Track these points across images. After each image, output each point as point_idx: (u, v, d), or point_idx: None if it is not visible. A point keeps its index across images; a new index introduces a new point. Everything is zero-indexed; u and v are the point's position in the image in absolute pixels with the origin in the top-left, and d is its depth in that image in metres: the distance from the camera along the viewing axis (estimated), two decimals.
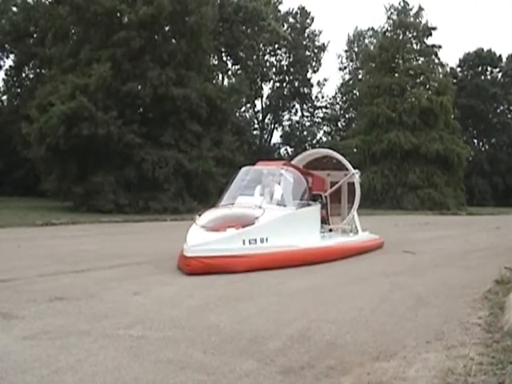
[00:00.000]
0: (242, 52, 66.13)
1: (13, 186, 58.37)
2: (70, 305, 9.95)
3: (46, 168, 43.95)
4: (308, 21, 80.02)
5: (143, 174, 40.83)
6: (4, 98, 68.89)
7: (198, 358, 7.18)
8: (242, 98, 59.86)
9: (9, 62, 66.31)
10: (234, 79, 64.95)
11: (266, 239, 14.94)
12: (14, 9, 58.20)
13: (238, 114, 67.62)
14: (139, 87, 42.23)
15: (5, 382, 6.21)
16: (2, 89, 68.79)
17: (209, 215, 15.72)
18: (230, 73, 69.54)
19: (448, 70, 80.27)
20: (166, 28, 45.79)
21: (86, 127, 38.27)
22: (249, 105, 77.61)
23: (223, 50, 63.84)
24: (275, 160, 24.16)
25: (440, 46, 70.71)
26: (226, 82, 64.49)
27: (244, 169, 18.41)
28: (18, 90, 65.75)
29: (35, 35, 57.11)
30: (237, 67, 69.74)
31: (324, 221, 19.71)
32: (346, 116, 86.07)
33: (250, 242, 14.61)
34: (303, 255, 15.75)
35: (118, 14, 43.93)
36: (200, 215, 15.70)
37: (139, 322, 8.95)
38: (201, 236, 14.29)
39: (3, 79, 67.96)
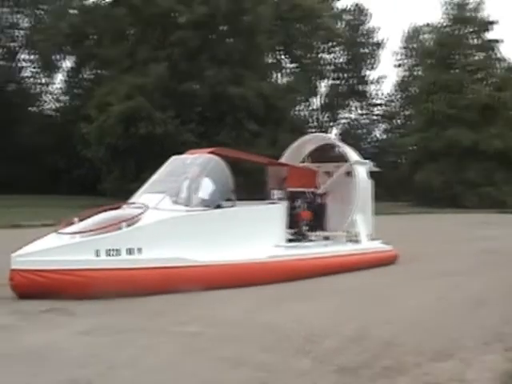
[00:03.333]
0: (298, 50, 65.93)
1: (73, 184, 59.15)
2: (126, 302, 10.04)
3: (105, 167, 44.54)
4: (364, 17, 79.58)
5: None
6: (64, 98, 70.03)
7: (254, 356, 7.16)
8: (298, 97, 59.71)
9: (69, 64, 67.60)
10: (290, 78, 64.87)
11: (139, 250, 11.12)
12: (73, 11, 58.92)
13: (294, 113, 67.51)
14: (196, 86, 42.45)
15: (62, 376, 6.29)
16: (62, 90, 69.95)
17: (90, 219, 12.00)
18: (286, 71, 69.47)
19: (509, 64, 78.97)
20: (222, 27, 45.91)
21: (144, 126, 38.69)
22: (305, 103, 77.38)
23: (279, 48, 63.73)
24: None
25: (501, 41, 69.51)
26: (282, 80, 64.44)
27: (171, 159, 14.57)
28: (78, 91, 66.75)
29: (94, 37, 57.77)
30: (293, 65, 69.60)
31: (317, 226, 16.26)
32: (404, 113, 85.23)
33: (108, 254, 10.81)
34: (199, 275, 11.42)
35: (175, 14, 44.21)
36: (81, 219, 11.95)
37: (195, 319, 8.98)
38: (38, 243, 10.90)
39: (63, 80, 69.15)
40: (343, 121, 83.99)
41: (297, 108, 70.73)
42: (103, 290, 10.06)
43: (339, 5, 76.66)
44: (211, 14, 42.45)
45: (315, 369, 6.75)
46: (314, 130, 77.22)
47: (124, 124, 39.21)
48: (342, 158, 17.11)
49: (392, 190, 64.44)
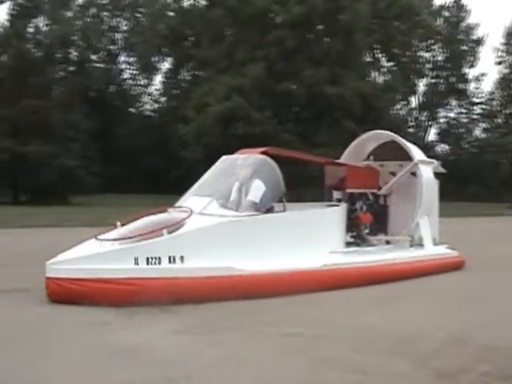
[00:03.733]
0: (396, 48, 65.36)
1: (171, 185, 60.05)
2: (218, 302, 9.91)
3: (203, 168, 45.05)
4: (464, 14, 78.23)
5: (296, 171, 41.14)
6: (163, 99, 71.25)
7: (349, 357, 6.99)
8: (396, 96, 59.18)
9: (167, 65, 68.85)
10: (388, 76, 64.36)
11: (181, 258, 10.39)
12: (171, 13, 59.90)
13: (392, 112, 66.93)
14: (293, 86, 42.53)
15: (157, 373, 6.30)
16: (161, 91, 71.21)
17: (132, 224, 11.44)
18: (384, 70, 68.95)
19: None
20: (319, 26, 45.84)
21: (242, 126, 38.94)
22: (404, 102, 76.60)
23: (376, 46, 63.32)
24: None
25: None
26: (380, 79, 63.99)
27: (221, 159, 13.52)
28: (176, 92, 67.78)
29: (191, 38, 58.58)
30: (391, 64, 69.03)
31: (378, 229, 14.99)
32: (506, 112, 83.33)
33: (147, 262, 10.18)
34: (245, 285, 10.48)
35: (271, 14, 44.41)
36: (123, 223, 11.44)
37: (288, 320, 8.88)
38: (75, 250, 10.48)
39: (162, 81, 70.38)
40: (442, 120, 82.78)
41: (395, 107, 70.14)
42: (142, 300, 9.47)
43: (437, 1, 75.63)
44: (307, 13, 42.46)
45: (412, 372, 6.54)
46: (412, 130, 76.60)
47: (222, 124, 39.62)
48: (408, 157, 15.25)
49: (495, 191, 63.17)
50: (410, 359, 6.98)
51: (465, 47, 78.62)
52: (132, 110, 70.49)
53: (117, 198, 43.91)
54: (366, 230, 14.54)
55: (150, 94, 72.73)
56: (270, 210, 12.03)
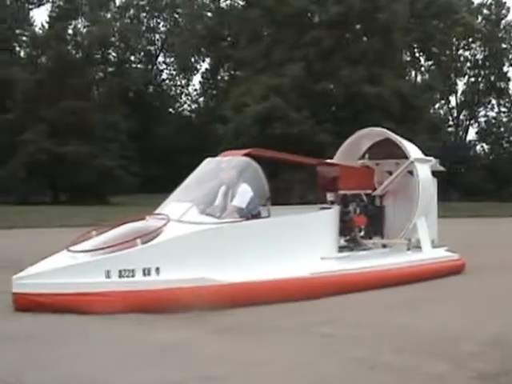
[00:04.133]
0: (435, 47, 64.84)
1: None
2: (258, 305, 9.85)
3: None
4: (504, 11, 77.37)
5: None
6: (201, 99, 71.52)
7: (387, 358, 6.98)
8: (435, 95, 58.70)
9: (205, 65, 69.09)
10: (427, 75, 63.90)
11: (157, 270, 9.84)
12: (209, 14, 60.11)
13: (432, 111, 66.45)
14: (331, 86, 42.41)
15: (197, 372, 6.36)
16: (199, 91, 71.46)
17: (107, 234, 10.91)
18: (422, 69, 68.49)
19: None
20: (357, 26, 45.68)
21: (279, 127, 38.90)
22: (443, 101, 76.02)
23: (415, 46, 62.89)
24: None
25: None
26: (419, 78, 63.54)
27: (204, 161, 12.75)
28: (214, 92, 67.98)
29: (229, 38, 58.74)
30: (430, 63, 68.54)
31: (374, 232, 14.21)
32: None
33: (120, 275, 9.65)
34: (223, 296, 9.72)
35: (309, 14, 44.36)
36: (99, 233, 10.98)
37: (330, 320, 8.89)
38: (45, 263, 10.00)
39: (200, 82, 70.60)
40: (482, 119, 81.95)
41: (434, 106, 69.65)
42: (116, 312, 9.08)
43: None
44: (345, 13, 42.36)
45: (452, 373, 6.48)
46: (451, 129, 75.94)
47: (260, 124, 39.60)
48: (404, 155, 14.38)
49: None
50: (449, 360, 6.93)
51: (505, 45, 77.77)
52: (171, 110, 70.86)
53: (155, 198, 43.96)
54: (361, 234, 13.82)
55: (188, 95, 73.09)
56: (256, 216, 11.31)
